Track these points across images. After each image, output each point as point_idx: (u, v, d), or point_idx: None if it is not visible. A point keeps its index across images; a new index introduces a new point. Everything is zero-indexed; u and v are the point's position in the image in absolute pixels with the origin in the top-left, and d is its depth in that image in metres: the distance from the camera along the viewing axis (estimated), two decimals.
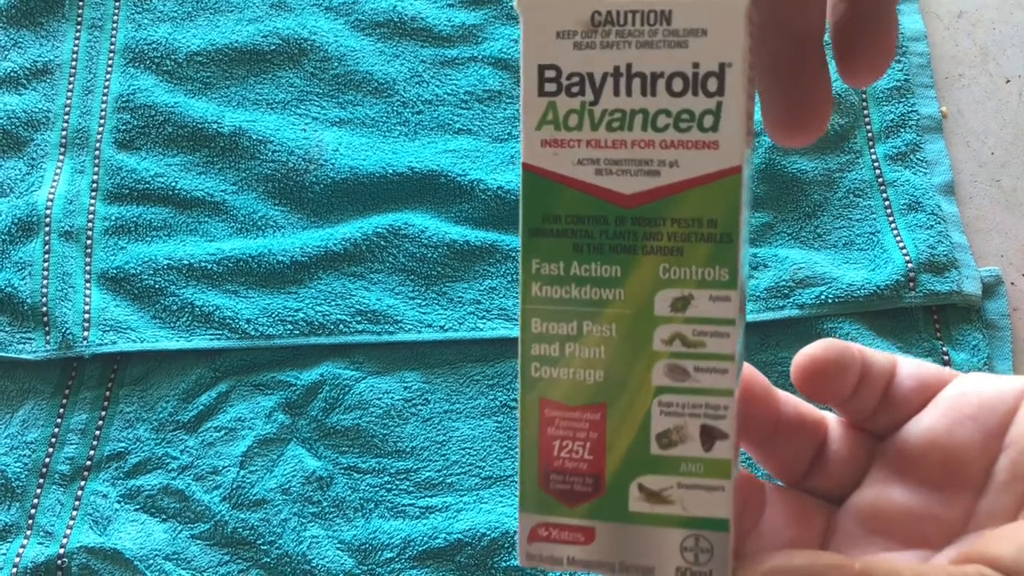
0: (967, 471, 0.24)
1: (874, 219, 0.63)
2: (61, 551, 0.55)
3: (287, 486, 0.57)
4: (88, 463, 0.58)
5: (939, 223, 0.62)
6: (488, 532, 0.55)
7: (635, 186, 0.22)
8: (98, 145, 0.66)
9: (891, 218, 0.63)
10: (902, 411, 0.26)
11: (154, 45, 0.69)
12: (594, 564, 0.23)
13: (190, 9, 0.71)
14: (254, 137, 0.66)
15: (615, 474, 0.22)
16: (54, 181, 0.65)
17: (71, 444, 0.58)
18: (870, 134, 0.66)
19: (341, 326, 0.61)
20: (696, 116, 0.22)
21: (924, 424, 0.25)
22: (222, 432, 0.59)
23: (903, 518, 0.24)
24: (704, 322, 0.22)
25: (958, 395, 0.25)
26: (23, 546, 0.55)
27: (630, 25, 0.22)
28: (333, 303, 0.61)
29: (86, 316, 0.60)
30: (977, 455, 0.24)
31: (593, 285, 0.22)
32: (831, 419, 0.27)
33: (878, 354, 0.26)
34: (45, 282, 0.61)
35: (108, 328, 0.60)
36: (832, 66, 0.25)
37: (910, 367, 0.26)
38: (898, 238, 0.62)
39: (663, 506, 0.22)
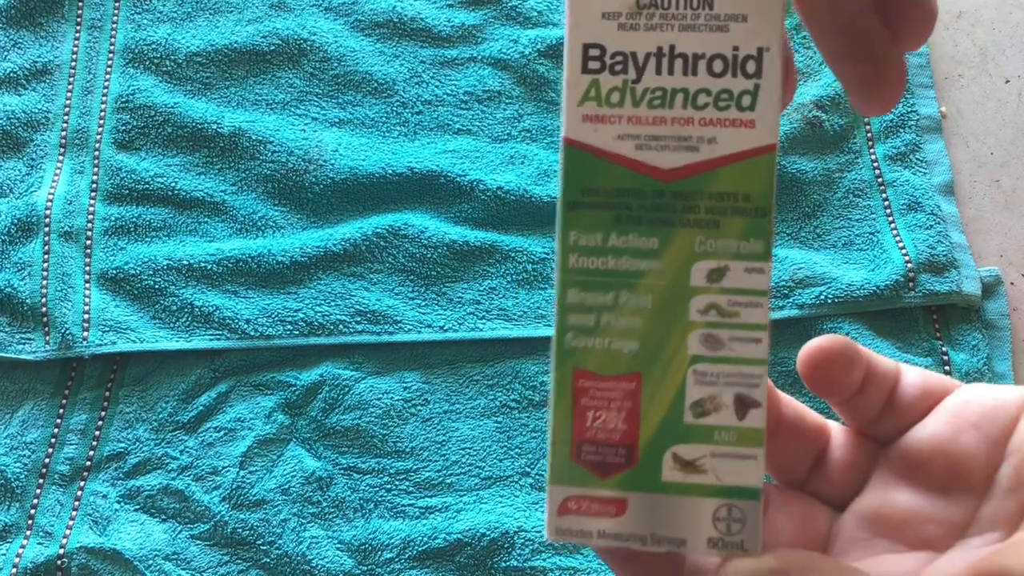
0: (970, 476, 0.24)
1: (873, 219, 0.63)
2: (61, 551, 0.55)
3: (287, 486, 0.57)
4: (88, 463, 0.58)
5: (938, 223, 0.62)
6: (488, 532, 0.55)
7: (674, 161, 0.23)
8: (98, 145, 0.66)
9: (890, 218, 0.63)
10: (906, 418, 0.26)
11: (154, 46, 0.69)
12: (625, 537, 0.23)
13: (189, 10, 0.71)
14: (254, 137, 0.66)
15: (649, 444, 0.23)
16: (54, 181, 0.65)
17: (71, 444, 0.58)
18: (869, 134, 0.66)
19: (341, 326, 0.61)
20: (735, 96, 0.23)
21: (928, 430, 0.25)
22: (222, 432, 0.59)
23: (907, 520, 0.25)
24: (739, 293, 0.23)
25: (962, 403, 0.25)
26: (23, 546, 0.55)
27: (674, 9, 0.23)
28: (333, 303, 0.61)
29: (86, 316, 0.61)
30: (980, 462, 0.24)
31: (631, 256, 0.23)
32: (834, 426, 0.27)
33: (884, 359, 0.26)
34: (45, 282, 0.61)
35: (108, 328, 0.60)
36: None
37: (915, 375, 0.26)
38: (897, 238, 0.62)
39: (697, 475, 0.22)
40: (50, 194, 0.64)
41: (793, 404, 0.27)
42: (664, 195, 0.23)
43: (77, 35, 0.70)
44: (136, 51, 0.69)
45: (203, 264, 0.62)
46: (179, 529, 0.56)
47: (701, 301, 0.23)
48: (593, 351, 0.23)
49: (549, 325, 0.60)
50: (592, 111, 0.23)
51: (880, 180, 0.65)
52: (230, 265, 0.62)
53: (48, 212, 0.63)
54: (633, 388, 0.23)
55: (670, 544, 0.23)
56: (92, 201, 0.64)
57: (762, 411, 0.23)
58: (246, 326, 0.60)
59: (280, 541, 0.55)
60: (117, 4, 0.71)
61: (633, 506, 0.23)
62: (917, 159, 0.65)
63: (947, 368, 0.59)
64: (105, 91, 0.68)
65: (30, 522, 0.56)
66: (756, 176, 0.23)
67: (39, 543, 0.55)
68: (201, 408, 0.59)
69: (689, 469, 0.22)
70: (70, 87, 0.68)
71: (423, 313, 0.61)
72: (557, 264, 0.23)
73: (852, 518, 0.26)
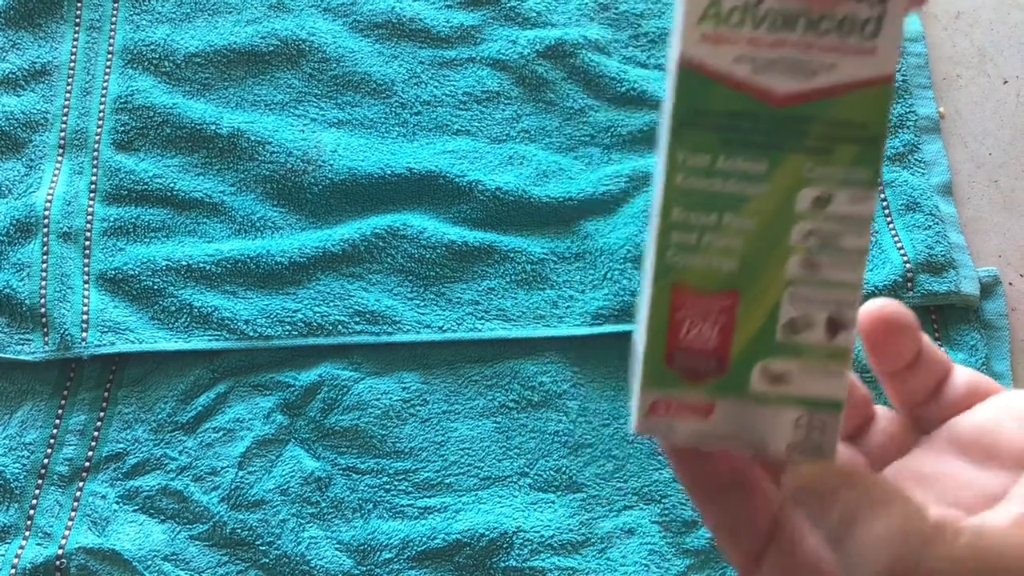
0: (1008, 456, 0.25)
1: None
2: (60, 552, 0.55)
3: (286, 487, 0.57)
4: (87, 464, 0.58)
5: (937, 223, 0.62)
6: (487, 533, 0.55)
7: (790, 86, 0.23)
8: (96, 146, 0.66)
9: (889, 218, 0.63)
10: (950, 409, 0.27)
11: (152, 46, 0.69)
12: (708, 436, 0.24)
13: (188, 10, 0.71)
14: (252, 138, 0.66)
15: (740, 356, 0.23)
16: (52, 182, 0.65)
17: (70, 445, 0.58)
18: None
19: (340, 327, 0.61)
20: (859, 23, 0.22)
21: (972, 416, 0.26)
22: (220, 433, 0.59)
23: (944, 480, 0.26)
24: (842, 220, 0.23)
25: (1005, 401, 0.26)
26: (21, 547, 0.55)
27: None
28: (331, 304, 0.61)
29: (84, 317, 0.61)
30: (1019, 447, 0.25)
31: (738, 179, 0.23)
32: (881, 409, 0.29)
33: (938, 349, 0.28)
34: (44, 283, 0.61)
35: (107, 329, 0.60)
36: None
37: (965, 373, 0.27)
38: (896, 238, 0.62)
39: (782, 387, 0.23)
40: (49, 195, 0.64)
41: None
42: (777, 120, 0.23)
43: (76, 36, 0.70)
44: (135, 52, 0.69)
45: (202, 265, 0.62)
46: (178, 529, 0.56)
47: (804, 226, 0.23)
48: (693, 268, 0.23)
49: (548, 326, 0.61)
50: (710, 31, 0.23)
51: (879, 180, 0.65)
52: (229, 266, 0.62)
53: (47, 213, 0.63)
54: (729, 304, 0.23)
55: (750, 446, 0.24)
56: (91, 202, 0.64)
57: (851, 333, 0.23)
58: (245, 327, 0.60)
59: (279, 541, 0.55)
60: (116, 5, 0.71)
61: (719, 410, 0.24)
62: (915, 159, 0.65)
63: None
64: (104, 92, 0.68)
65: (29, 523, 0.56)
66: (873, 105, 0.23)
67: (38, 543, 0.55)
68: (200, 408, 0.59)
69: (776, 381, 0.23)
70: (69, 88, 0.68)
71: (422, 313, 0.61)
72: (662, 182, 0.23)
73: (889, 473, 0.27)
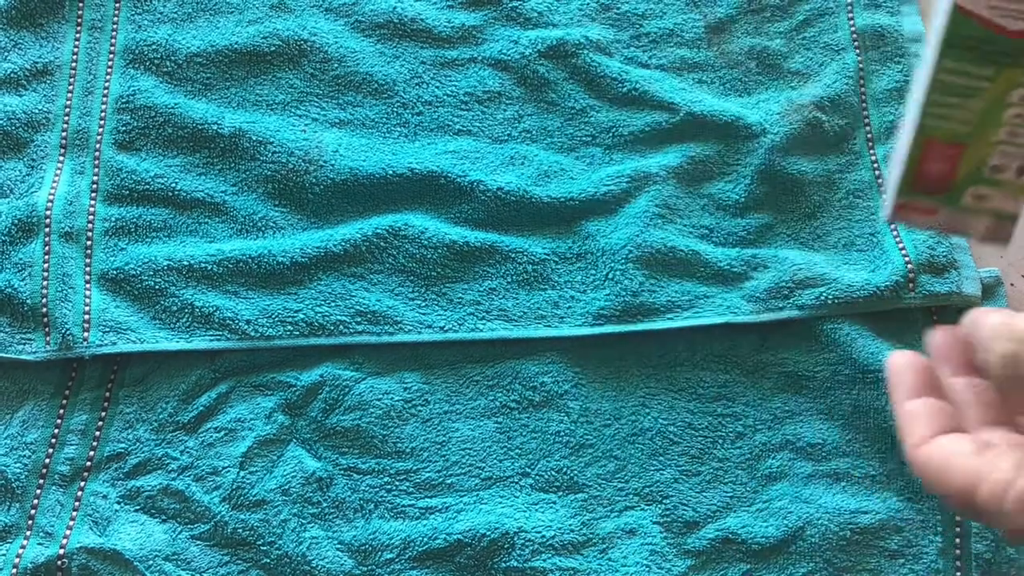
0: None
1: (874, 220, 0.63)
2: (61, 552, 0.55)
3: (287, 487, 0.57)
4: (88, 464, 0.58)
5: None
6: (488, 533, 0.55)
7: (1018, 25, 0.35)
8: (98, 146, 0.66)
9: None
10: None
11: (154, 46, 0.69)
12: (934, 223, 0.38)
13: (190, 10, 0.71)
14: (254, 138, 0.66)
15: (959, 182, 0.37)
16: (54, 182, 0.65)
17: (71, 445, 0.58)
18: (869, 135, 0.66)
19: (341, 327, 0.61)
20: None
21: None
22: (222, 433, 0.59)
23: None
24: None
25: None
26: (23, 547, 0.55)
27: None
28: (333, 304, 0.61)
29: (86, 317, 0.61)
30: None
31: (975, 79, 0.36)
32: None
33: None
34: (45, 283, 0.61)
35: (108, 329, 0.60)
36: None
37: None
38: (898, 239, 0.62)
39: (983, 203, 0.37)
40: (51, 195, 0.64)
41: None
42: (1006, 45, 0.35)
43: (78, 36, 0.70)
44: (136, 52, 0.69)
45: (203, 265, 0.62)
46: (179, 529, 0.56)
47: (1013, 111, 0.36)
48: (940, 128, 0.37)
49: (549, 326, 0.61)
50: None
51: (880, 181, 0.65)
52: (230, 266, 0.62)
53: (48, 212, 0.63)
54: (958, 152, 0.37)
55: (959, 233, 0.39)
56: (92, 201, 0.64)
57: None
58: (246, 326, 0.60)
59: (280, 541, 0.55)
60: (118, 5, 0.71)
61: (941, 213, 0.38)
62: None
63: None
64: (105, 92, 0.68)
65: (30, 522, 0.56)
66: None
67: (39, 543, 0.56)
68: (201, 408, 0.59)
69: (980, 200, 0.37)
70: (71, 88, 0.68)
71: (423, 314, 0.61)
72: (929, 76, 0.36)
73: None
